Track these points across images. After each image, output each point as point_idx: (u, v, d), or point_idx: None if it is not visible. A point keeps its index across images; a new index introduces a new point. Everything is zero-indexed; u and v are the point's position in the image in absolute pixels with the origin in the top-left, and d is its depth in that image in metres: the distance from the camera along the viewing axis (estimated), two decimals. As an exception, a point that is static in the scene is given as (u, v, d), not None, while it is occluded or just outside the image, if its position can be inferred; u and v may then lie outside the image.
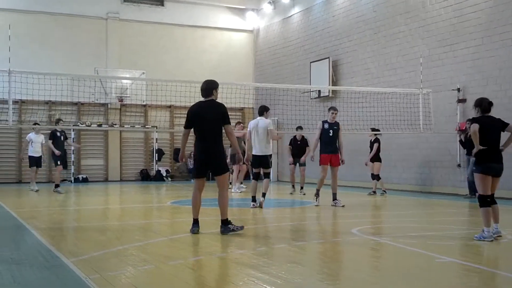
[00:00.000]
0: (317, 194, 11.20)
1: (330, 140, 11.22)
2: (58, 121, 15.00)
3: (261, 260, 6.01)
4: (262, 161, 10.84)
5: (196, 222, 7.52)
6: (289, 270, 5.49)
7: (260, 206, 10.56)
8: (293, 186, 14.63)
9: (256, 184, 11.04)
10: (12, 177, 19.68)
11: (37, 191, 14.83)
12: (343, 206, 10.99)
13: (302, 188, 14.20)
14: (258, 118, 11.01)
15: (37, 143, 15.15)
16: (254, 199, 10.74)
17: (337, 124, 11.36)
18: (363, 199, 13.65)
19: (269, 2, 22.21)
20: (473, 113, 13.28)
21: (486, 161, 6.89)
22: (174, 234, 7.74)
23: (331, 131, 11.21)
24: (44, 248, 6.45)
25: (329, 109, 11.53)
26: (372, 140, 14.20)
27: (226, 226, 7.39)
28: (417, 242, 6.98)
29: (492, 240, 6.85)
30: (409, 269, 5.51)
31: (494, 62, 13.40)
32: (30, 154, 15.18)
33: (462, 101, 14.20)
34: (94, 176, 20.78)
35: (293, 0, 21.08)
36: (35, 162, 15.22)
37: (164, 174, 21.27)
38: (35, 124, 16.01)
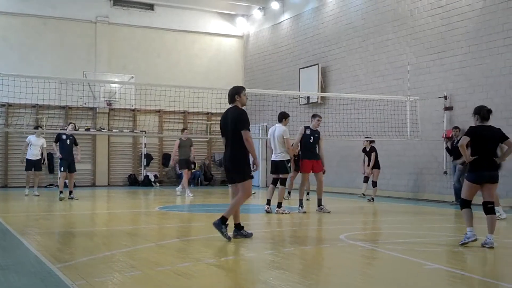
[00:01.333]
0: (300, 204, 11.15)
1: (310, 146, 11.25)
2: (68, 124, 14.52)
3: (249, 266, 6.01)
4: (279, 166, 10.97)
5: (237, 226, 7.56)
6: (277, 276, 5.49)
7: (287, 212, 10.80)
8: (289, 192, 14.64)
9: (273, 188, 11.25)
10: (-2, 181, 19.48)
11: (26, 195, 14.64)
12: (329, 212, 11.04)
13: (307, 193, 14.27)
14: (276, 124, 11.19)
15: (36, 146, 14.92)
16: (268, 202, 10.96)
17: (318, 132, 11.39)
18: (351, 205, 13.70)
19: (259, 8, 22.30)
20: (458, 119, 13.41)
21: (477, 169, 7.01)
22: (162, 240, 7.70)
23: (311, 137, 11.25)
24: (31, 254, 6.39)
25: (314, 116, 11.56)
26: (368, 150, 14.18)
27: (221, 226, 7.35)
28: (405, 248, 7.03)
29: (475, 239, 6.93)
30: (397, 275, 5.53)
31: (481, 70, 13.56)
32: (28, 157, 14.98)
33: (449, 108, 14.34)
34: (81, 181, 20.60)
35: (283, 7, 21.18)
36: (33, 165, 15.02)
37: (153, 179, 21.18)
38: (36, 127, 15.86)
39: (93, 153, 21.01)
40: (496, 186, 7.15)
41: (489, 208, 7.04)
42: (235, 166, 7.41)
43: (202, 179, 22.12)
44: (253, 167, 7.51)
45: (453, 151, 13.68)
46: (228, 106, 7.63)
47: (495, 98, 13.18)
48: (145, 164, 21.27)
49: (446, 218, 11.27)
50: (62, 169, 13.89)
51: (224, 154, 7.62)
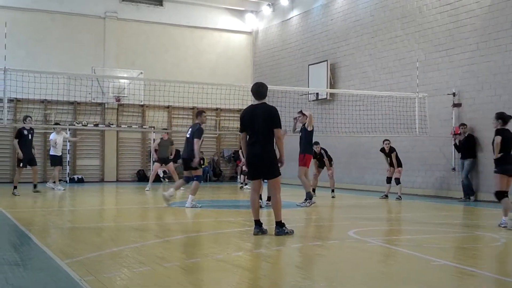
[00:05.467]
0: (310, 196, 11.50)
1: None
2: (25, 118, 14.23)
3: (257, 262, 6.02)
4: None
5: (257, 223, 7.53)
6: (285, 272, 5.50)
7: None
8: (313, 190, 14.64)
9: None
10: (6, 177, 19.57)
11: (64, 189, 15.37)
12: (312, 203, 11.45)
13: (333, 191, 14.26)
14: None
15: (58, 144, 15.38)
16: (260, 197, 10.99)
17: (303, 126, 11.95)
18: (359, 201, 13.69)
19: (268, 5, 22.27)
20: (466, 116, 13.34)
21: (504, 163, 8.42)
22: (170, 236, 7.73)
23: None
24: (38, 249, 6.42)
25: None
26: (388, 151, 13.95)
27: (281, 228, 7.43)
28: (413, 244, 7.02)
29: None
30: (405, 271, 5.52)
31: (489, 67, 13.47)
32: (53, 153, 15.43)
33: (457, 105, 14.25)
34: (90, 176, 20.74)
35: (292, 3, 21.13)
36: (59, 161, 15.47)
37: (161, 175, 21.23)
38: (56, 124, 16.16)
39: (102, 148, 21.10)
40: None
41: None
42: (269, 163, 7.42)
43: (211, 174, 22.17)
44: (278, 164, 7.59)
45: (462, 148, 13.60)
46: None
47: (503, 95, 13.10)
48: (153, 160, 21.31)
49: (455, 214, 11.23)
50: (22, 164, 13.79)
51: (251, 150, 7.44)
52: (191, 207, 10.85)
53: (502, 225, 8.33)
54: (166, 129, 17.63)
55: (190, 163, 11.03)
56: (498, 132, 8.55)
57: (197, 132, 10.94)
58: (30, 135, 14.00)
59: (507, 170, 8.44)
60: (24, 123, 14.07)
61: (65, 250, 6.39)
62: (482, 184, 13.58)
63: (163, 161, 16.17)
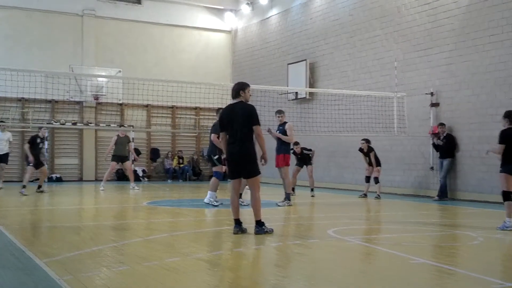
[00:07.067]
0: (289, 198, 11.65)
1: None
2: (41, 127, 15.01)
3: (238, 261, 6.03)
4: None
5: (237, 222, 7.51)
6: (265, 271, 5.51)
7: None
8: (293, 189, 14.66)
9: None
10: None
11: (0, 188, 15.04)
12: (290, 205, 11.49)
13: (312, 189, 14.29)
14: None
15: (2, 141, 15.20)
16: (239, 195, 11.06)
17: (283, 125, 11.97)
18: (338, 200, 13.78)
19: (247, 3, 22.27)
20: (444, 115, 13.52)
21: (509, 163, 8.07)
22: (150, 235, 7.69)
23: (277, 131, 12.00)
24: (16, 249, 6.34)
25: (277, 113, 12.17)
26: (366, 151, 14.03)
27: (260, 227, 7.43)
28: (391, 243, 7.09)
29: None
30: (383, 270, 5.58)
31: (467, 67, 13.67)
32: None
33: (435, 105, 14.44)
34: (68, 175, 20.51)
35: (271, 2, 21.16)
36: (3, 159, 15.29)
37: (141, 174, 21.12)
38: (1, 121, 15.86)
39: (80, 147, 20.88)
40: None
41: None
42: (248, 161, 7.39)
43: (191, 174, 22.10)
44: (261, 161, 7.55)
45: (440, 147, 13.79)
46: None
47: (481, 95, 13.31)
48: (133, 159, 21.12)
49: (433, 213, 11.38)
50: (31, 164, 14.38)
51: (230, 149, 7.46)
52: (208, 203, 11.11)
53: (501, 228, 7.98)
54: (123, 125, 17.44)
55: (212, 160, 11.28)
56: (502, 133, 8.22)
57: (213, 128, 11.02)
58: (41, 144, 14.67)
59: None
60: (39, 131, 14.73)
61: (44, 250, 6.32)
62: (460, 184, 13.78)
63: (119, 159, 16.00)
